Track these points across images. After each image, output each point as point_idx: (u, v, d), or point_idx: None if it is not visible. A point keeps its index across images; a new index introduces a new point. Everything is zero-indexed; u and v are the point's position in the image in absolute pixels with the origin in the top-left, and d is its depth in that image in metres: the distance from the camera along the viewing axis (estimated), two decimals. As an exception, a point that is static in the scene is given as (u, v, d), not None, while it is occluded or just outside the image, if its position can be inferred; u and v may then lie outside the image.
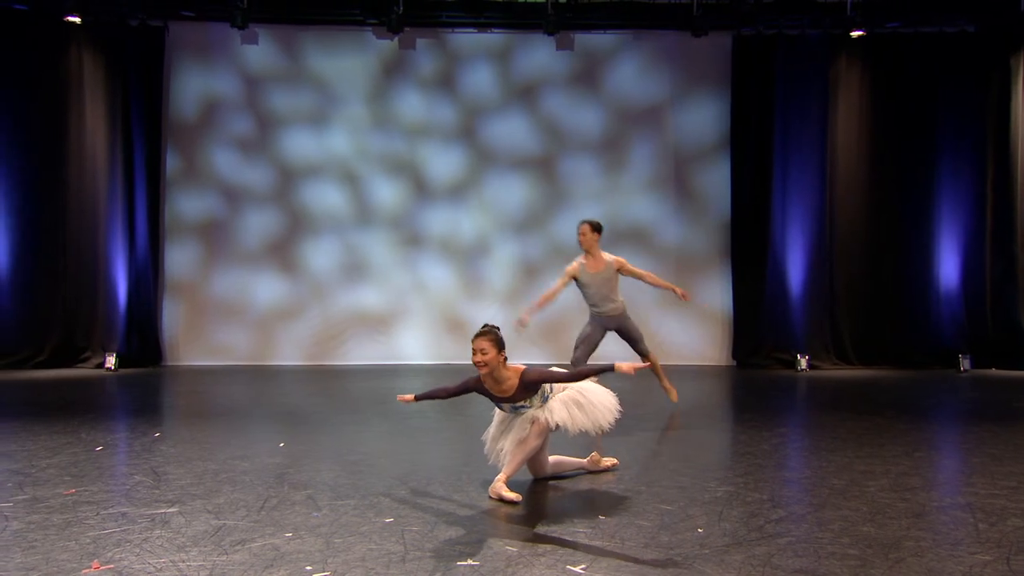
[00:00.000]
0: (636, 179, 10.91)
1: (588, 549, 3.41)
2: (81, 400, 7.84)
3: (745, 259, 10.62)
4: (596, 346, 7.00)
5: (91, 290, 10.21)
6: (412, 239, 10.87)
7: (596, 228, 6.89)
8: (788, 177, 10.51)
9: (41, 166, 10.10)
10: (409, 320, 10.87)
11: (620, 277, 6.97)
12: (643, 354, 6.93)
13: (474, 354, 4.28)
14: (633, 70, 10.84)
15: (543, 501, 4.25)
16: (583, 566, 3.21)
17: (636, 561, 3.27)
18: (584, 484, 4.53)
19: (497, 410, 4.60)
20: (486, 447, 4.62)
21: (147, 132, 10.33)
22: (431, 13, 10.42)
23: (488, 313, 10.75)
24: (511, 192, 10.89)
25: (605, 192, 10.90)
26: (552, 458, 4.66)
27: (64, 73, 10.08)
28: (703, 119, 10.82)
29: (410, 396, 4.69)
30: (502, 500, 4.15)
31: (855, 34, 10.16)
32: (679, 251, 10.92)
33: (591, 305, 6.96)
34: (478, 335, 4.33)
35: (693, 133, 10.86)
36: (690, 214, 10.93)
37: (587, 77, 10.84)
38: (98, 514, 3.88)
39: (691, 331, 10.88)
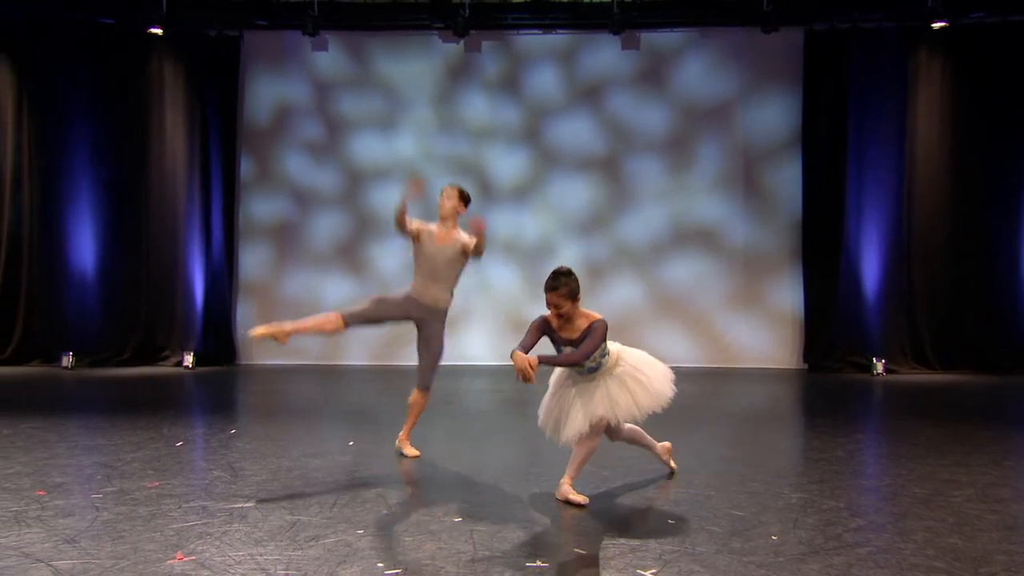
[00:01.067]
0: (703, 178, 10.74)
1: (658, 554, 3.37)
2: (161, 397, 8.14)
3: (817, 259, 10.32)
4: (379, 321, 5.35)
5: (170, 291, 10.59)
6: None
7: (464, 198, 5.36)
8: (863, 174, 10.19)
9: (125, 173, 10.53)
10: (473, 320, 10.94)
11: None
12: (423, 380, 5.44)
13: (550, 308, 4.23)
14: (700, 68, 10.67)
15: (612, 503, 4.21)
16: (653, 571, 3.17)
17: (708, 567, 3.21)
18: (653, 489, 4.47)
19: (552, 380, 4.46)
20: (540, 419, 4.43)
21: (223, 138, 10.68)
22: (497, 16, 10.47)
23: (553, 314, 10.77)
24: (575, 193, 10.85)
25: (671, 192, 10.76)
26: (628, 426, 4.53)
27: (146, 83, 10.48)
28: (773, 116, 10.58)
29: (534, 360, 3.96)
30: (569, 503, 4.13)
31: (936, 25, 9.77)
32: (747, 251, 10.70)
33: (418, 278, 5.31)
34: (551, 288, 4.20)
35: (762, 131, 10.62)
36: (759, 213, 10.69)
37: (653, 76, 10.72)
38: (180, 507, 4.01)
39: (759, 333, 10.64)
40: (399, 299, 5.28)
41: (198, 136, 10.59)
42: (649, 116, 10.72)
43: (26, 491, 4.31)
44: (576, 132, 10.80)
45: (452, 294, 5.39)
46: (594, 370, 4.29)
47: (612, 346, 4.36)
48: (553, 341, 4.31)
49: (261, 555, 3.35)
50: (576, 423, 4.17)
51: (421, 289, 5.27)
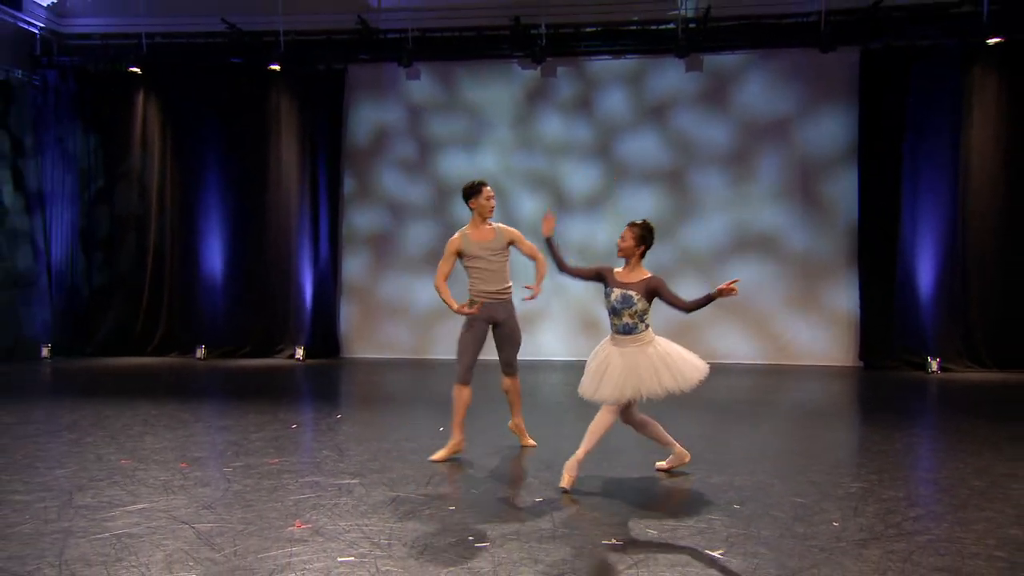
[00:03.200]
0: (763, 189, 10.46)
1: (725, 535, 3.30)
2: (277, 385, 8.45)
3: (873, 263, 9.91)
4: (478, 352, 5.07)
5: (284, 293, 10.98)
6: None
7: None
8: (918, 184, 9.73)
9: (247, 192, 11.00)
10: (549, 320, 10.94)
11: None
12: (511, 368, 5.26)
13: (620, 239, 4.33)
14: (760, 87, 10.40)
15: (680, 489, 4.14)
16: (721, 551, 3.11)
17: (772, 549, 3.13)
18: (717, 476, 4.38)
19: (599, 348, 4.36)
20: (583, 385, 4.29)
21: (329, 159, 11.01)
22: (571, 44, 10.46)
23: (621, 314, 10.68)
24: (643, 203, 10.73)
25: (733, 202, 10.52)
26: (643, 417, 4.47)
27: (266, 113, 10.92)
28: (830, 131, 10.22)
29: (551, 231, 4.53)
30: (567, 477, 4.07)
31: (992, 41, 9.25)
32: (805, 257, 10.36)
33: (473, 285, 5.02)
34: (630, 224, 4.34)
35: (820, 144, 10.27)
36: (816, 221, 10.34)
37: (715, 95, 10.51)
38: (296, 481, 4.16)
39: (817, 332, 10.28)
40: (474, 321, 4.94)
41: (308, 158, 10.97)
42: (712, 132, 10.52)
43: (171, 463, 4.56)
44: (643, 148, 10.68)
45: (508, 279, 5.13)
46: (630, 330, 4.23)
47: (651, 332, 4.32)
48: (606, 284, 4.30)
49: (366, 526, 3.44)
50: (609, 388, 4.13)
51: (485, 292, 4.98)
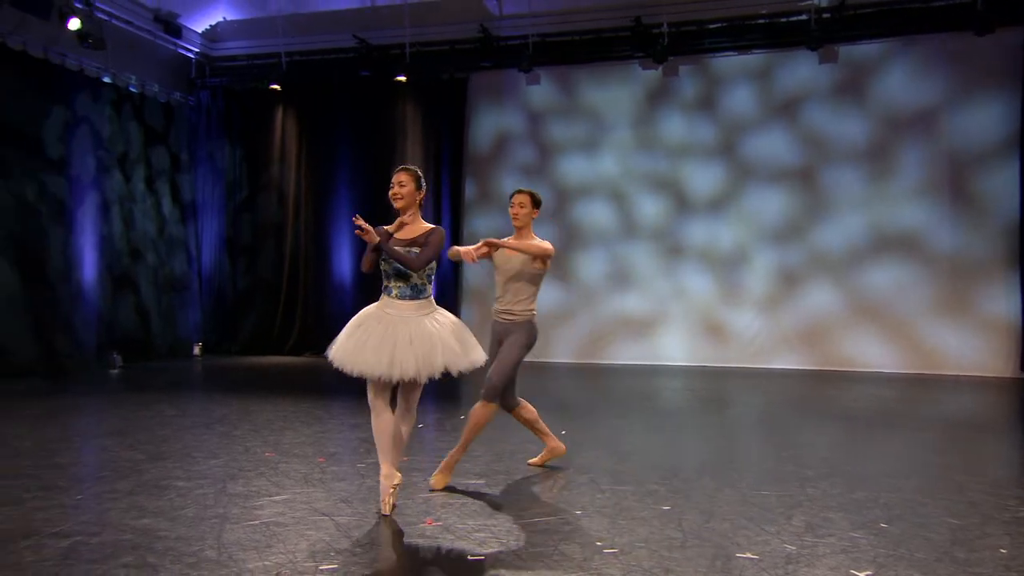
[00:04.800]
0: (905, 186, 9.75)
1: (872, 555, 3.09)
2: (404, 385, 8.73)
3: (1036, 265, 9.00)
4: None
5: (409, 296, 11.35)
6: (674, 249, 10.70)
7: (537, 202, 4.59)
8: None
9: (375, 198, 11.45)
10: (669, 324, 10.70)
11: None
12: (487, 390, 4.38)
13: (391, 188, 3.75)
14: (903, 76, 9.70)
15: (818, 502, 3.91)
16: (868, 572, 2.91)
17: (928, 574, 2.89)
18: (859, 491, 4.09)
19: (363, 313, 3.75)
20: (335, 352, 3.61)
21: (452, 165, 11.33)
22: (694, 42, 10.20)
23: (746, 319, 10.28)
24: (770, 203, 10.29)
25: (870, 200, 9.87)
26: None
27: (392, 122, 11.39)
28: (985, 120, 9.36)
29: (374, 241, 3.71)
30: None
31: None
32: (954, 258, 9.55)
33: (496, 300, 4.53)
34: (400, 169, 3.79)
35: (972, 135, 9.43)
36: (968, 219, 9.50)
37: (852, 87, 9.91)
38: (424, 480, 4.28)
39: (969, 340, 9.43)
40: (491, 344, 4.49)
41: (432, 164, 11.32)
42: (847, 127, 9.92)
43: (310, 458, 4.83)
44: (771, 145, 10.24)
45: (532, 303, 4.44)
46: (419, 293, 3.71)
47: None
48: (385, 250, 3.70)
49: (494, 525, 3.49)
50: (411, 366, 3.54)
51: (497, 305, 4.48)
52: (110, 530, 3.36)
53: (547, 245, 4.42)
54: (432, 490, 4.08)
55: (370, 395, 3.69)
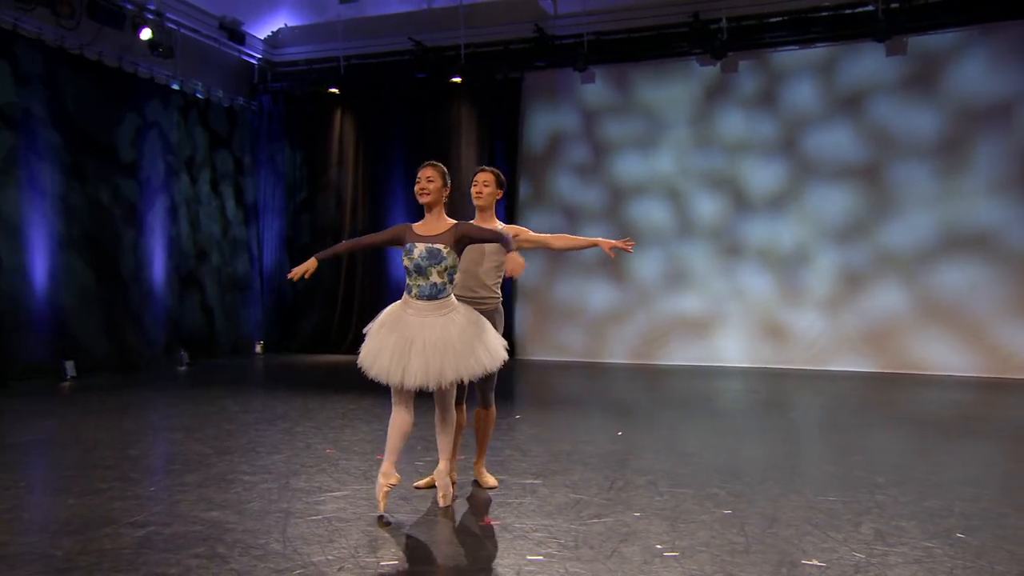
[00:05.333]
0: (979, 181, 9.33)
1: (948, 567, 2.96)
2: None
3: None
4: None
5: (464, 295, 11.44)
6: (731, 249, 10.50)
7: (501, 182, 4.17)
8: None
9: (429, 197, 11.62)
10: (727, 325, 10.50)
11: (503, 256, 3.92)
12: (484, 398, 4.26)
13: (417, 182, 3.70)
14: (978, 67, 9.29)
15: (886, 509, 3.77)
16: (943, 585, 2.79)
17: (1009, 589, 2.76)
18: (932, 498, 3.93)
19: (385, 314, 3.71)
20: (362, 353, 3.65)
21: (506, 165, 11.33)
22: (754, 36, 9.98)
23: (807, 319, 10.01)
24: (833, 201, 9.99)
25: (940, 197, 9.49)
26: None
27: (447, 123, 11.49)
28: (1068, 112, 8.90)
29: (311, 261, 3.72)
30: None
31: None
32: (1033, 257, 9.11)
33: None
34: (427, 164, 3.73)
35: (1053, 128, 8.98)
36: (1047, 216, 9.05)
37: (921, 80, 9.54)
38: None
39: (1049, 344, 8.98)
40: None
41: (486, 164, 11.33)
42: (916, 121, 9.56)
43: (368, 455, 4.90)
44: (834, 141, 9.95)
45: (494, 291, 4.09)
46: (438, 292, 3.61)
47: None
48: (409, 249, 3.67)
49: (552, 526, 3.48)
50: (421, 375, 3.49)
51: (470, 296, 3.99)
52: (181, 521, 3.48)
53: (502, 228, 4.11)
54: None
55: (392, 394, 3.71)
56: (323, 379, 9.14)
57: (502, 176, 4.20)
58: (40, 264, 8.59)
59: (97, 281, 9.27)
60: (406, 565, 2.97)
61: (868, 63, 9.73)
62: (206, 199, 11.25)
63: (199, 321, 10.97)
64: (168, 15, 9.96)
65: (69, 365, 8.58)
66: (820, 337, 9.96)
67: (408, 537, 3.31)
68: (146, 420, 6.34)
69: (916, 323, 9.57)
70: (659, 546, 3.21)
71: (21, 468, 4.70)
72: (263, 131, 12.39)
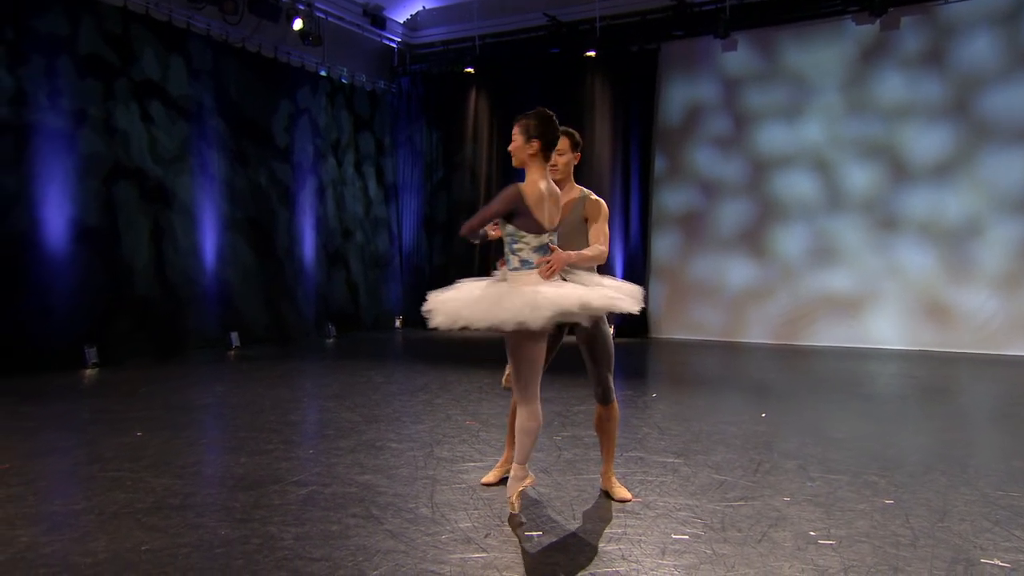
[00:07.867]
0: None
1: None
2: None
3: None
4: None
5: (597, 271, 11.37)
6: (887, 222, 9.73)
7: (576, 144, 3.77)
8: None
9: (563, 174, 11.59)
10: (882, 304, 9.78)
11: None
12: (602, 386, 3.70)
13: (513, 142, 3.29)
14: None
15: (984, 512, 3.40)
16: None
17: None
18: (997, 496, 3.49)
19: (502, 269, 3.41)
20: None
21: (641, 139, 11.11)
22: (918, -12, 9.13)
23: (978, 299, 9.14)
24: (1011, 168, 9.00)
25: None
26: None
27: (581, 98, 11.37)
28: None
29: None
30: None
31: None
32: None
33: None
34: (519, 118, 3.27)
35: None
36: None
37: (1124, 26, 8.35)
38: (621, 455, 4.26)
39: None
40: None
41: (620, 139, 11.17)
42: (1117, 73, 8.39)
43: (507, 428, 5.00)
44: (1016, 102, 8.93)
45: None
46: (512, 267, 3.42)
47: None
48: (530, 227, 3.29)
49: (696, 506, 3.40)
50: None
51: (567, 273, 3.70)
52: (338, 482, 3.72)
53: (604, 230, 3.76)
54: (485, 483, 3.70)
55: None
56: (460, 353, 9.42)
57: (577, 136, 3.79)
58: (210, 244, 9.41)
59: (257, 259, 10.03)
60: (550, 536, 3.01)
61: (1058, 10, 8.64)
62: (350, 180, 11.84)
63: (344, 297, 11.63)
64: (317, 3, 10.50)
65: (234, 336, 9.39)
66: (993, 318, 9.06)
67: (551, 509, 3.35)
68: (302, 388, 6.81)
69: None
70: (812, 533, 3.06)
71: (203, 428, 5.21)
72: (402, 112, 12.83)
